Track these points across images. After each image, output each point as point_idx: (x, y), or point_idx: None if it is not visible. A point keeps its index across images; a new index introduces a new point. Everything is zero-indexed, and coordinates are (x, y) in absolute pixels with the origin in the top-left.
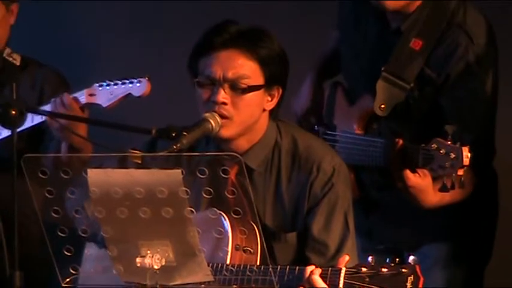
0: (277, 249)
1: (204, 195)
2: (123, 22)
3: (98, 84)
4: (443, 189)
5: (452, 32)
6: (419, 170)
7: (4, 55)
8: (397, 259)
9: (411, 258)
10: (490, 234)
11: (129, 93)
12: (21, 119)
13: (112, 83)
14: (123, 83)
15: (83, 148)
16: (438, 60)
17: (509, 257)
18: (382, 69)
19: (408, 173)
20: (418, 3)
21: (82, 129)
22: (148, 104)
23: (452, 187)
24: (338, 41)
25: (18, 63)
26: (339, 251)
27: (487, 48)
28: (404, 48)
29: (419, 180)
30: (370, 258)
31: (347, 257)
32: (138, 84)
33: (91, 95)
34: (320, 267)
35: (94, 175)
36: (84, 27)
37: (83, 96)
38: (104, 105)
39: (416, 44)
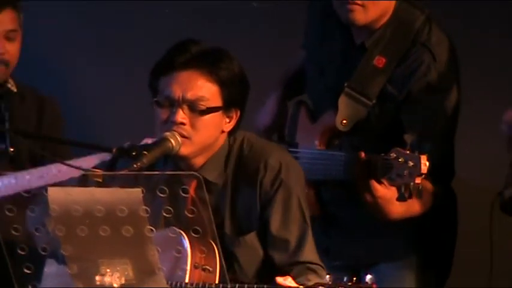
0: (240, 254)
1: (164, 214)
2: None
3: None
4: (401, 198)
5: (416, 49)
6: (384, 181)
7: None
8: (354, 278)
9: (368, 277)
10: (448, 252)
11: None
12: None
13: None
14: None
15: None
16: (400, 77)
17: (467, 275)
18: (345, 85)
19: (375, 184)
20: (384, 20)
21: None
22: (111, 121)
23: (410, 196)
24: (304, 60)
25: (15, 90)
26: (300, 245)
27: (449, 66)
28: (368, 65)
29: (386, 191)
30: (327, 277)
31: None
32: None
33: None
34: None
35: (54, 193)
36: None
37: None
38: None
39: (379, 61)
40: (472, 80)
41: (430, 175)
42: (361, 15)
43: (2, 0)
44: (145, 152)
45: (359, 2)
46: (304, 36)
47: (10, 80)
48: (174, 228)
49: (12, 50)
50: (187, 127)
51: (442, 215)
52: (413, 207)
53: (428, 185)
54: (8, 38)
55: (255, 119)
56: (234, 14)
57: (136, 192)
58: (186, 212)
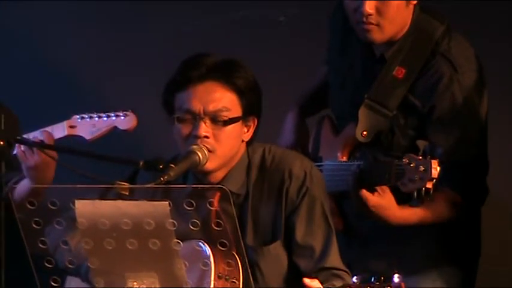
0: (263, 264)
1: (191, 227)
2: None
3: (78, 116)
4: (414, 203)
5: (436, 61)
6: (378, 188)
7: None
8: (382, 277)
9: (396, 276)
10: (471, 264)
11: (115, 127)
12: (9, 149)
13: (95, 116)
14: (107, 116)
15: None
16: (423, 89)
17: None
18: (365, 96)
19: (366, 193)
20: (403, 32)
21: (51, 169)
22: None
23: (421, 200)
24: (325, 76)
25: None
26: (325, 251)
27: (472, 76)
28: (388, 76)
29: (379, 199)
30: (355, 278)
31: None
32: (123, 118)
33: (71, 126)
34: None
35: (82, 206)
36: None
37: (63, 128)
38: (87, 137)
39: (399, 72)
40: None
41: (459, 191)
42: (377, 35)
43: None
44: (172, 166)
45: (373, 21)
46: (326, 52)
47: None
48: (200, 241)
49: None
50: (210, 140)
51: (464, 227)
52: (421, 213)
53: (445, 195)
54: None
55: (278, 140)
56: (260, 28)
57: (163, 206)
58: (212, 225)
